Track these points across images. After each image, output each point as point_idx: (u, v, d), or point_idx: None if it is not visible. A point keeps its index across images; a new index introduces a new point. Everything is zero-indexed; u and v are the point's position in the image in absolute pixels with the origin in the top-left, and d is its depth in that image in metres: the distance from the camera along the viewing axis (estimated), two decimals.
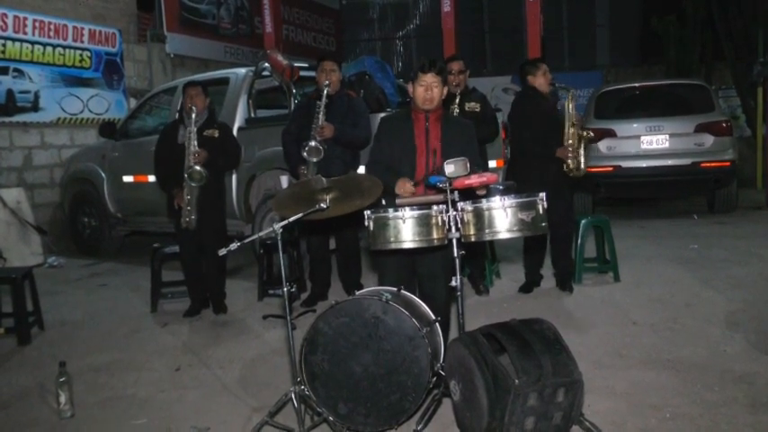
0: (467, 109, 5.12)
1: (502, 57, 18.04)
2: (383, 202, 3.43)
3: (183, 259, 5.27)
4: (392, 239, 3.10)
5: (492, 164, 6.03)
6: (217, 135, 5.09)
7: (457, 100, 5.02)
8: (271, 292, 5.56)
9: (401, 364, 2.91)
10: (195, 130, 4.91)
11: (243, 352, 4.29)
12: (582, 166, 5.08)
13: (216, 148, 5.01)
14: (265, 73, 6.42)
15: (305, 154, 4.89)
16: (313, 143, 4.88)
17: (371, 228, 3.14)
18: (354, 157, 5.21)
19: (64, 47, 9.13)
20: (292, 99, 6.18)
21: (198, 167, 4.86)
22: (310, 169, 4.90)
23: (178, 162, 4.93)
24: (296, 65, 6.37)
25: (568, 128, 5.02)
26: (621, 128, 8.38)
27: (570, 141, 5.01)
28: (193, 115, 4.91)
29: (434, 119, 3.55)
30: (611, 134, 8.35)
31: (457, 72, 5.06)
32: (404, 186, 3.39)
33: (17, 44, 8.48)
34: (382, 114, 5.42)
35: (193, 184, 4.90)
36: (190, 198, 4.96)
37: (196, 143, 4.89)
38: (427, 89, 3.49)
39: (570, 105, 5.03)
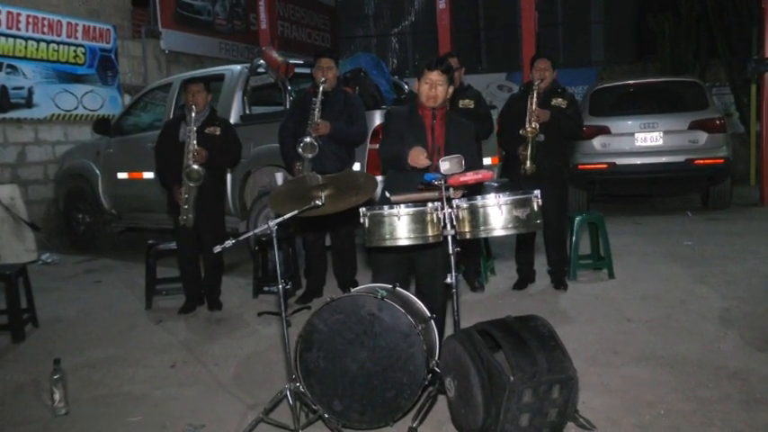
0: (460, 106, 5.13)
1: (497, 54, 18.08)
2: (386, 194, 3.42)
3: (181, 256, 5.26)
4: (387, 236, 3.10)
5: (487, 161, 6.04)
6: (218, 133, 5.07)
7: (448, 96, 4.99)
8: (266, 288, 5.56)
9: (396, 361, 2.91)
10: (195, 129, 4.90)
11: (238, 349, 4.29)
12: (528, 165, 4.98)
13: (217, 146, 5.01)
14: (260, 69, 6.41)
15: (300, 150, 4.88)
16: (308, 139, 4.87)
17: (367, 225, 3.14)
18: (350, 154, 5.21)
19: (58, 43, 9.10)
20: (287, 96, 6.17)
21: (196, 167, 4.86)
22: (306, 165, 4.90)
23: (179, 159, 4.93)
24: (291, 61, 6.36)
25: (527, 124, 4.91)
26: (616, 125, 8.40)
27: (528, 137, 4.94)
28: (193, 114, 4.90)
29: (440, 117, 3.55)
30: (605, 131, 8.37)
31: None
32: (418, 157, 3.33)
33: (10, 40, 8.45)
34: (378, 111, 5.44)
35: (191, 184, 4.90)
36: (188, 197, 4.95)
37: (195, 142, 4.88)
38: (432, 87, 3.48)
39: (532, 102, 4.91)
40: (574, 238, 5.52)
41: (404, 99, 6.43)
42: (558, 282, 5.30)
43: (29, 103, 8.77)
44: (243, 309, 5.26)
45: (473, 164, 3.35)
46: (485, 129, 5.23)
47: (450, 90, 3.59)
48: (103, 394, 3.67)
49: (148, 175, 6.93)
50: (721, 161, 8.17)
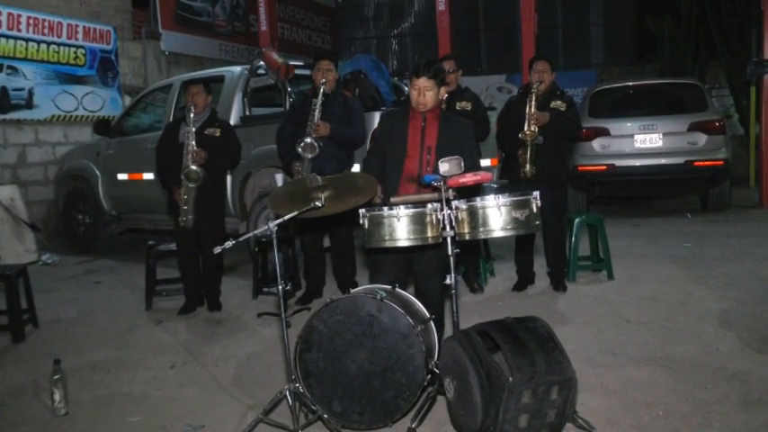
0: (457, 108, 5.14)
1: (497, 55, 18.10)
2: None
3: (181, 257, 5.27)
4: (387, 238, 3.11)
5: (486, 162, 6.04)
6: (218, 134, 5.09)
7: (444, 97, 4.98)
8: (265, 289, 5.56)
9: (396, 362, 2.92)
10: (194, 130, 4.91)
11: (238, 350, 4.30)
12: (527, 168, 4.99)
13: (217, 148, 5.02)
14: (260, 71, 6.42)
15: (300, 150, 4.89)
16: (308, 139, 4.87)
17: (366, 226, 3.15)
18: (349, 156, 5.22)
19: (58, 44, 9.11)
20: (287, 97, 6.18)
21: (194, 167, 4.87)
22: (305, 166, 4.91)
23: (179, 160, 4.94)
24: (291, 63, 6.37)
25: (526, 128, 4.91)
26: (615, 126, 8.40)
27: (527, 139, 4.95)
28: (192, 114, 4.91)
29: (431, 117, 3.58)
30: (605, 133, 8.38)
31: (448, 71, 5.07)
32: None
33: (11, 41, 8.46)
34: (378, 112, 5.44)
35: (191, 185, 4.91)
36: (187, 198, 4.96)
37: (194, 143, 4.89)
38: (420, 93, 3.52)
39: (531, 104, 4.91)
40: (573, 240, 5.53)
41: (404, 101, 6.44)
42: (558, 283, 5.31)
43: (29, 104, 8.78)
44: (242, 310, 5.27)
45: (472, 163, 3.37)
46: (482, 131, 5.23)
47: (442, 92, 3.61)
48: (103, 395, 3.67)
49: (148, 176, 6.94)
50: (720, 163, 8.17)
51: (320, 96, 4.93)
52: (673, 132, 8.25)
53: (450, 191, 3.10)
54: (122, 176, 7.54)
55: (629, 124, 8.43)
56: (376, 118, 5.38)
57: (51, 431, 3.26)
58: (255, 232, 3.36)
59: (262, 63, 6.35)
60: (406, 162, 3.57)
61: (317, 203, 3.15)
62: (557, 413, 2.69)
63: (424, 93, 3.51)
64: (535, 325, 2.87)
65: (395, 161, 3.59)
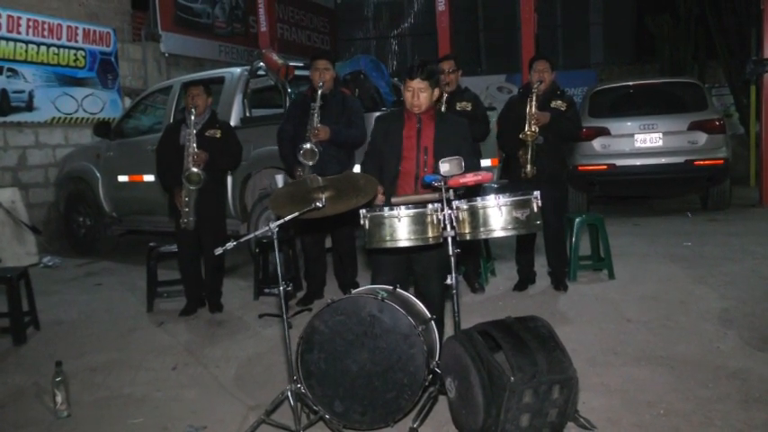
0: (457, 108, 5.14)
1: (496, 55, 18.11)
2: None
3: (182, 259, 5.28)
4: (388, 238, 3.12)
5: (486, 162, 6.04)
6: (219, 135, 5.09)
7: (444, 98, 4.99)
8: (266, 290, 5.57)
9: (397, 362, 2.93)
10: (195, 132, 4.92)
11: (239, 351, 4.30)
12: (528, 168, 5.00)
13: (218, 149, 5.02)
14: (260, 72, 6.43)
15: (300, 157, 4.88)
16: (308, 145, 4.86)
17: (367, 226, 3.15)
18: (349, 157, 5.22)
19: (58, 46, 9.11)
20: (287, 98, 6.18)
21: (195, 170, 4.87)
22: (306, 172, 4.89)
23: (180, 162, 4.94)
24: (291, 64, 6.37)
25: (527, 128, 4.91)
26: (615, 126, 8.40)
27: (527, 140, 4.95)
28: (193, 117, 4.91)
29: (427, 118, 3.59)
30: (605, 132, 8.38)
31: (448, 71, 5.08)
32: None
33: (11, 44, 8.46)
34: (378, 113, 5.44)
35: (192, 187, 4.91)
36: (188, 199, 4.96)
37: (195, 145, 4.90)
38: (414, 95, 3.53)
39: (531, 105, 4.91)
40: (574, 240, 5.53)
41: (402, 101, 6.44)
42: (558, 283, 5.31)
43: (29, 107, 8.78)
44: (244, 311, 5.27)
45: (470, 163, 3.37)
46: (481, 131, 5.23)
47: (437, 93, 3.61)
48: (105, 396, 3.68)
49: (149, 177, 6.94)
50: (721, 162, 8.17)
51: (318, 100, 4.92)
52: (673, 132, 8.25)
53: (451, 191, 3.10)
54: (123, 178, 7.55)
55: (629, 124, 8.43)
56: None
57: None
58: (256, 233, 3.36)
59: (262, 64, 6.36)
60: (403, 163, 3.58)
61: (317, 204, 3.15)
62: (558, 412, 2.69)
63: (418, 94, 3.52)
64: (536, 324, 2.88)
65: (391, 162, 3.59)
